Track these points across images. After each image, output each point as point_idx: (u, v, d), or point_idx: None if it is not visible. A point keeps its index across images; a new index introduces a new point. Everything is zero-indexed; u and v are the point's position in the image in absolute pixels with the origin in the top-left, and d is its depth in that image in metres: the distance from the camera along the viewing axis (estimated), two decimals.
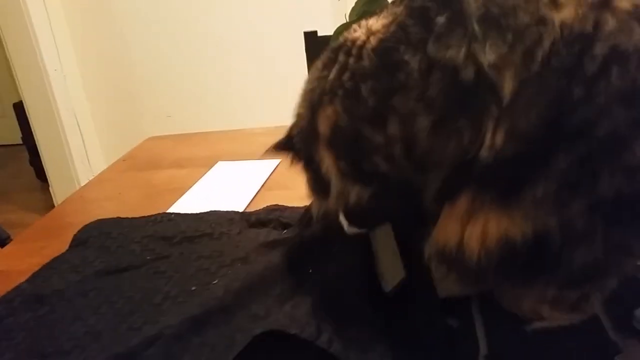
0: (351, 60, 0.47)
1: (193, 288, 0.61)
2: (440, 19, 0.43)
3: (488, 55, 0.40)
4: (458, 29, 0.42)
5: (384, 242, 0.56)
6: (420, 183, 0.47)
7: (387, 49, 0.45)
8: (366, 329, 0.49)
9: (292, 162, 0.60)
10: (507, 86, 0.40)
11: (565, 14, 0.39)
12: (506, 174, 0.42)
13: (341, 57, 0.49)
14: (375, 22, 0.48)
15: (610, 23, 0.38)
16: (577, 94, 0.38)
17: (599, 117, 0.38)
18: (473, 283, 0.48)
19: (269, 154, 0.60)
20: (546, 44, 0.39)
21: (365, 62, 0.46)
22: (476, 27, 0.41)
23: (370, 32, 0.47)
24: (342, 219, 0.57)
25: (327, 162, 0.52)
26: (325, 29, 1.09)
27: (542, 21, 0.39)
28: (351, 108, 0.47)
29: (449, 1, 0.43)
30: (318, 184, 0.56)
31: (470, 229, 0.43)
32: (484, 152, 0.41)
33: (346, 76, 0.47)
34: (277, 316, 0.52)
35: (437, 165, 0.45)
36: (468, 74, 0.41)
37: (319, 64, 0.52)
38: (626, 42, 0.38)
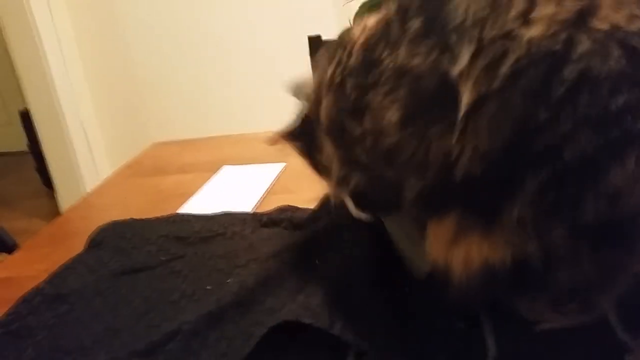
0: (344, 56, 0.49)
1: (208, 287, 0.62)
2: (415, 23, 0.42)
3: (454, 67, 0.39)
4: (430, 36, 0.41)
5: (400, 229, 0.57)
6: (396, 182, 0.46)
7: (369, 46, 0.47)
8: (376, 320, 0.50)
9: (299, 150, 0.62)
10: (466, 99, 0.38)
11: (535, 30, 0.37)
12: (483, 196, 0.41)
13: (338, 53, 0.51)
14: (370, 20, 0.49)
15: (584, 44, 0.36)
16: (542, 117, 0.36)
17: (566, 142, 0.36)
18: (461, 303, 0.48)
19: (276, 140, 0.63)
20: (510, 59, 0.37)
21: (352, 59, 0.48)
22: (449, 36, 0.40)
23: (363, 29, 0.49)
24: (349, 204, 0.58)
25: (328, 150, 0.54)
26: (329, 34, 1.09)
27: (508, 36, 0.37)
28: (338, 101, 0.50)
29: (427, 5, 0.43)
30: (324, 170, 0.58)
31: (454, 253, 0.43)
32: (456, 170, 0.40)
33: (338, 71, 0.49)
34: (291, 306, 0.53)
35: (411, 167, 0.44)
36: (431, 83, 0.41)
37: (325, 56, 0.54)
38: (599, 66, 0.36)
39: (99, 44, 2.36)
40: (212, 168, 1.04)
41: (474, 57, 0.38)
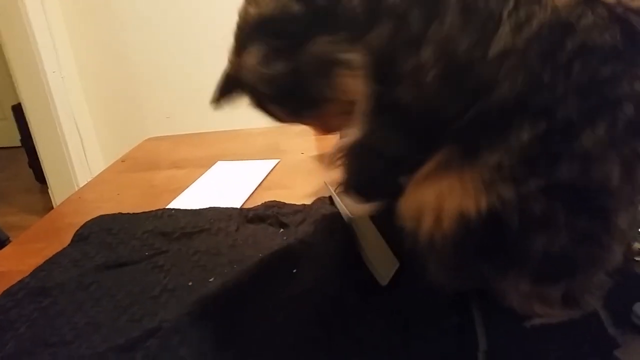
0: None
1: (190, 283, 0.62)
2: None
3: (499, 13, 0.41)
4: None
5: (367, 233, 0.57)
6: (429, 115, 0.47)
7: None
8: (364, 325, 0.50)
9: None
10: (494, 49, 0.41)
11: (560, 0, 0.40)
12: (470, 137, 0.43)
13: None
14: None
15: (589, 17, 0.39)
16: (545, 79, 0.40)
17: (557, 104, 0.40)
18: (440, 266, 0.48)
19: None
20: (534, 23, 0.40)
21: None
22: None
23: None
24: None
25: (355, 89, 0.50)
26: None
27: (538, 1, 0.40)
28: (397, 31, 0.45)
29: None
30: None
31: (422, 194, 0.45)
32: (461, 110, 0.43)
33: None
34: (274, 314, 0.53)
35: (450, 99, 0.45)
36: (483, 17, 0.42)
37: None
38: (596, 39, 0.39)
39: (92, 38, 2.34)
40: (206, 163, 1.04)
41: (510, 14, 0.41)
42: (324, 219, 0.70)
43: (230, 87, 0.60)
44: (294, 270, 0.59)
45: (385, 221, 0.57)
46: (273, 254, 0.65)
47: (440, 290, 0.49)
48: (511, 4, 0.41)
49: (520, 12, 0.41)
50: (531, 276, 0.45)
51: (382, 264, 0.54)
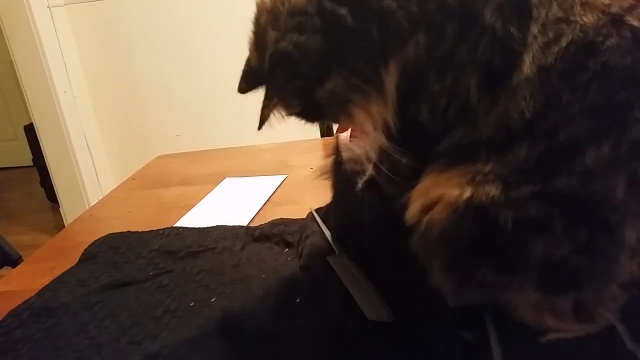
0: None
1: (192, 304, 0.62)
2: None
3: (524, 36, 0.42)
4: (515, 4, 0.42)
5: (349, 280, 0.57)
6: (439, 132, 0.47)
7: None
8: (377, 347, 0.49)
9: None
10: (525, 68, 0.41)
11: (588, 18, 0.40)
12: (465, 151, 0.44)
13: None
14: None
15: (613, 39, 0.39)
16: (564, 99, 0.40)
17: (568, 123, 0.40)
18: (438, 265, 0.48)
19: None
20: (563, 42, 0.40)
21: None
22: (529, 9, 0.42)
23: None
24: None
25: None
26: None
27: (567, 20, 0.40)
28: (433, 45, 0.45)
29: None
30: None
31: (411, 193, 0.46)
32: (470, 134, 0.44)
33: (434, 5, 0.44)
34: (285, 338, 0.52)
35: (462, 120, 0.45)
36: (503, 47, 0.42)
37: None
38: (617, 61, 0.39)
39: (102, 59, 2.38)
40: (216, 180, 1.04)
41: (539, 33, 0.41)
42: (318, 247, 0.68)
43: (254, 80, 0.58)
44: (297, 300, 0.58)
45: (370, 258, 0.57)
46: (278, 282, 0.64)
47: (450, 302, 0.49)
48: (536, 28, 0.41)
49: (548, 31, 0.41)
50: (536, 284, 0.44)
51: (370, 310, 0.53)
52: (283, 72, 0.51)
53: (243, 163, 1.16)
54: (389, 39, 0.46)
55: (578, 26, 0.40)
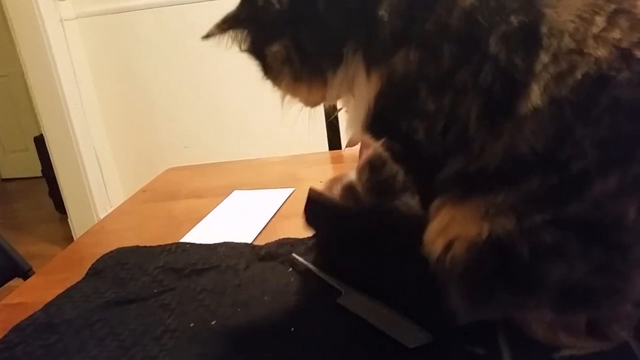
0: (443, 10, 0.44)
1: (192, 325, 0.62)
2: (514, 20, 0.42)
3: (533, 65, 0.42)
4: (521, 35, 0.42)
5: (370, 315, 0.57)
6: (439, 157, 0.48)
7: (473, 13, 0.43)
8: None
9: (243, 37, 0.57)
10: (534, 98, 0.41)
11: (602, 52, 0.40)
12: (475, 181, 0.44)
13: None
14: None
15: (624, 73, 0.40)
16: (578, 133, 0.40)
17: (579, 156, 0.40)
18: (456, 294, 0.48)
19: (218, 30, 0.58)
20: (577, 74, 0.40)
21: (455, 18, 0.44)
22: (539, 40, 0.42)
23: None
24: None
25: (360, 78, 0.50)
26: None
27: (580, 52, 0.40)
28: (426, 62, 0.45)
29: (529, 5, 0.43)
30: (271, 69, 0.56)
31: (430, 226, 0.46)
32: (476, 162, 0.44)
33: (431, 25, 0.44)
34: None
35: (462, 148, 0.46)
36: (509, 76, 0.42)
37: None
38: (628, 95, 0.39)
39: (112, 72, 2.41)
40: (225, 192, 1.04)
41: (550, 63, 0.41)
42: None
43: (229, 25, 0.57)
44: (292, 329, 0.58)
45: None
46: (279, 310, 0.64)
47: (460, 320, 0.49)
48: (546, 58, 0.41)
49: (561, 62, 0.41)
50: (552, 304, 0.45)
51: (405, 336, 0.53)
52: (249, 12, 0.52)
53: (252, 176, 1.17)
54: (372, 46, 0.47)
55: (593, 59, 0.40)
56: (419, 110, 0.46)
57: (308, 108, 0.60)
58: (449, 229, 0.46)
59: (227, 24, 0.55)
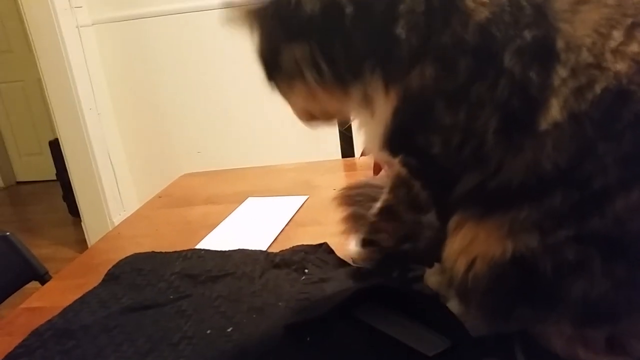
0: (458, 26, 0.44)
1: (208, 331, 0.63)
2: (527, 35, 0.43)
3: (549, 80, 0.42)
4: (536, 50, 0.42)
5: (388, 326, 0.57)
6: (455, 173, 0.48)
7: (490, 25, 0.43)
8: None
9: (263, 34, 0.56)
10: (554, 113, 0.41)
11: (621, 66, 0.40)
12: (496, 197, 0.44)
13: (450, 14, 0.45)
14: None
15: None
16: (600, 149, 0.40)
17: (600, 173, 0.40)
18: (477, 310, 0.48)
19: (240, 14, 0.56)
20: (597, 88, 0.40)
21: (470, 34, 0.44)
22: (556, 55, 0.42)
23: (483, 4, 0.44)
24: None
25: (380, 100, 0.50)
26: None
27: (599, 66, 0.40)
28: (442, 77, 0.45)
29: (543, 19, 0.43)
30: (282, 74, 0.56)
31: (451, 243, 0.46)
32: (502, 174, 0.44)
33: (447, 39, 0.44)
34: None
35: (477, 164, 0.46)
36: (527, 90, 0.42)
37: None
38: None
39: (127, 77, 2.43)
40: (239, 199, 1.05)
41: (569, 77, 0.41)
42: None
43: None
44: (308, 338, 0.58)
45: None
46: (291, 319, 0.63)
47: (474, 333, 0.49)
48: (565, 72, 0.41)
49: (580, 76, 0.40)
50: (573, 319, 0.45)
51: (424, 343, 0.53)
52: (278, 10, 0.52)
53: (265, 182, 1.17)
54: (390, 63, 0.47)
55: (612, 73, 0.40)
56: (436, 124, 0.46)
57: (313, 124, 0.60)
58: (472, 247, 0.46)
59: (253, 15, 0.54)
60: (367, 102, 0.51)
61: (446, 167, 0.48)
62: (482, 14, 0.43)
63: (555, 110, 0.41)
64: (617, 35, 0.41)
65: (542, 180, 0.42)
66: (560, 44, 0.42)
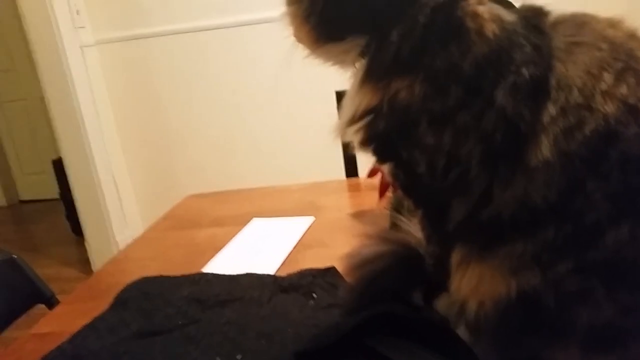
0: (456, 50, 0.45)
1: (217, 358, 0.63)
2: (525, 72, 0.44)
3: (540, 117, 0.43)
4: (530, 88, 0.43)
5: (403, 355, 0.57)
6: (445, 199, 0.49)
7: (493, 53, 0.44)
8: None
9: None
10: (545, 150, 0.42)
11: (610, 108, 0.41)
12: (490, 230, 0.45)
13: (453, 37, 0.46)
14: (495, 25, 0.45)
15: (631, 128, 0.41)
16: (589, 186, 0.41)
17: (590, 208, 0.41)
18: (488, 343, 0.49)
19: None
20: (586, 129, 0.41)
21: (467, 62, 0.45)
22: (547, 93, 0.43)
23: (493, 18, 0.45)
24: None
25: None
26: None
27: (589, 107, 0.42)
28: (431, 96, 0.46)
29: (540, 53, 0.44)
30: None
31: (459, 280, 0.47)
32: (491, 206, 0.44)
33: (442, 62, 0.45)
34: None
35: (463, 193, 0.47)
36: (515, 126, 0.44)
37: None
38: (635, 149, 0.41)
39: (130, 96, 2.45)
40: (245, 220, 1.06)
41: (559, 116, 0.42)
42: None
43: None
44: None
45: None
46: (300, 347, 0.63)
47: None
48: (554, 110, 0.42)
49: (569, 116, 0.42)
50: (580, 346, 0.45)
51: None
52: None
53: (270, 203, 1.18)
54: (375, 58, 0.49)
55: (601, 115, 0.41)
56: (419, 141, 0.47)
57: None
58: (480, 288, 0.47)
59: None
60: (342, 65, 0.54)
61: (433, 189, 0.49)
62: (483, 48, 0.44)
63: (545, 148, 0.42)
64: (608, 77, 0.42)
65: (533, 214, 0.43)
66: (552, 81, 0.43)
